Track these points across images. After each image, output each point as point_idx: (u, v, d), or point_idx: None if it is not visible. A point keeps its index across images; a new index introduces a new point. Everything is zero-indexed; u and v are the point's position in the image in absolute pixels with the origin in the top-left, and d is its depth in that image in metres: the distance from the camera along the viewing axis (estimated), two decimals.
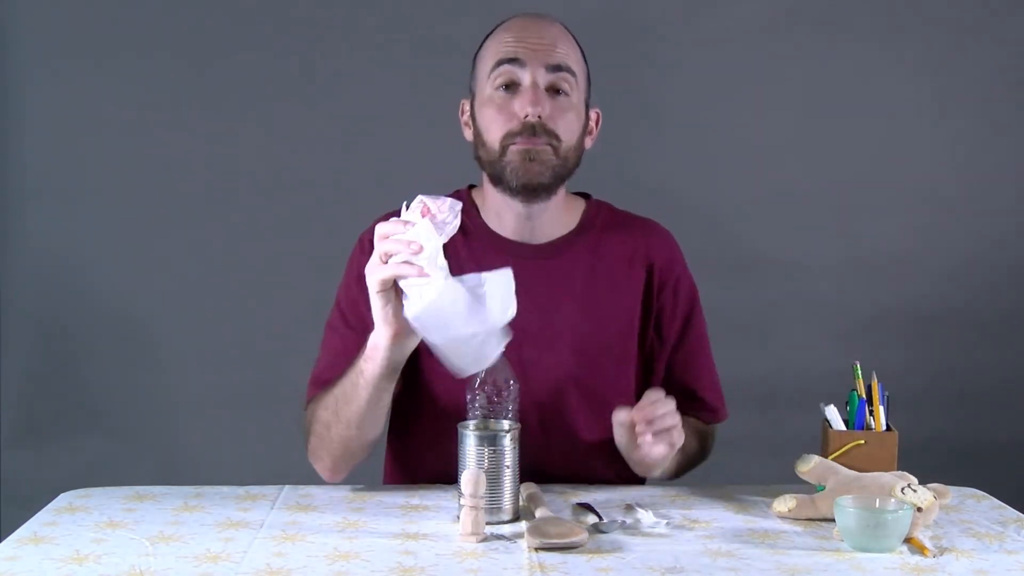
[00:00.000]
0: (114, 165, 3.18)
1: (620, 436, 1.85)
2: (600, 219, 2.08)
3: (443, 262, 1.70)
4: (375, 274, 1.73)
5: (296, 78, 3.18)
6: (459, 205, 1.73)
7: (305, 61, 3.18)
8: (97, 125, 3.17)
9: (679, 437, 1.82)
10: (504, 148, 1.94)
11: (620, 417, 1.82)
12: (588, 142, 2.03)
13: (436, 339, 1.70)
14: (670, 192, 3.10)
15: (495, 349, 1.70)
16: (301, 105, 3.18)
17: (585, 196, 2.12)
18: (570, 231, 2.05)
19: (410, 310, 1.70)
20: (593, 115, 2.04)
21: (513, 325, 1.86)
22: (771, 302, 3.23)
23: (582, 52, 2.02)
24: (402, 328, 1.76)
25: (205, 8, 3.16)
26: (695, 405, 2.10)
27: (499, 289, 1.70)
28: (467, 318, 1.68)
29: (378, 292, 1.74)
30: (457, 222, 1.72)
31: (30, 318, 3.21)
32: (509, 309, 1.69)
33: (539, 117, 1.92)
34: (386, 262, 1.72)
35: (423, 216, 1.71)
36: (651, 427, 1.78)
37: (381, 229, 1.74)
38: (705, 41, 3.21)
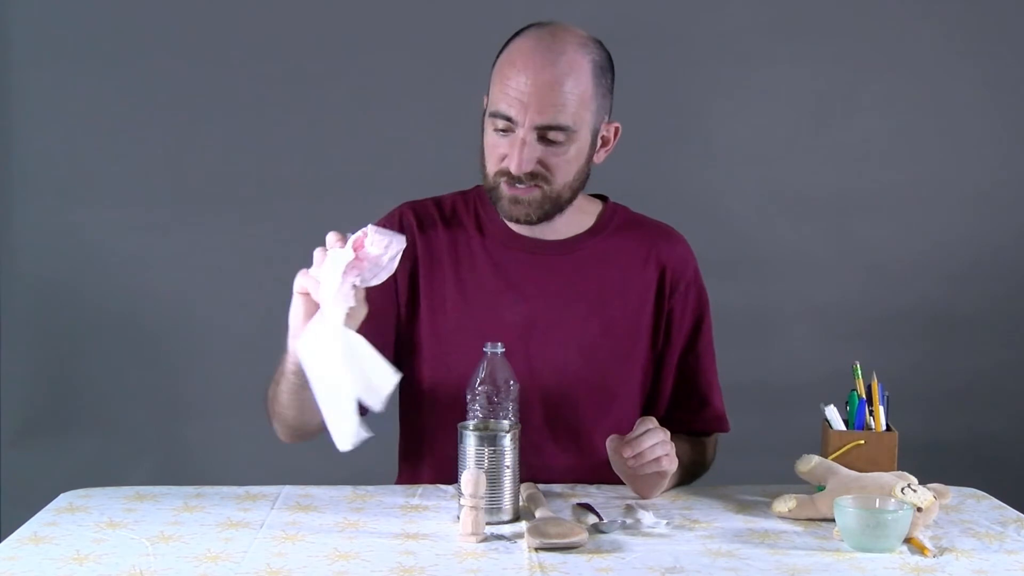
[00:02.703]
0: (115, 166, 3.19)
1: (614, 463, 1.86)
2: (615, 220, 2.09)
3: (345, 299, 1.65)
4: (297, 281, 1.76)
5: (300, 77, 3.18)
6: (401, 246, 1.69)
7: (309, 60, 3.18)
8: (97, 125, 3.18)
9: (670, 464, 1.83)
10: (497, 183, 1.96)
11: (612, 446, 1.84)
12: (601, 156, 2.01)
13: (313, 376, 1.66)
14: (672, 191, 3.11)
15: (352, 421, 1.62)
16: (306, 104, 3.18)
17: (603, 198, 2.12)
18: (585, 230, 2.06)
19: (303, 343, 1.70)
20: (612, 129, 2.01)
21: (525, 317, 1.97)
22: (771, 302, 3.24)
23: (596, 74, 1.94)
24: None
25: (206, 7, 3.16)
26: (704, 412, 2.10)
27: (374, 372, 1.63)
28: (339, 371, 1.64)
29: (298, 293, 1.78)
30: (393, 265, 1.68)
31: (30, 318, 3.22)
32: (374, 393, 1.63)
33: (523, 171, 1.92)
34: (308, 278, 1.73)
35: (355, 248, 1.66)
36: (640, 460, 1.80)
37: (329, 238, 1.73)
38: (707, 43, 3.21)
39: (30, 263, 3.20)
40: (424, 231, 2.05)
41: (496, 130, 1.93)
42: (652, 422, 1.84)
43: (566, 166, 1.94)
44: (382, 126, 3.17)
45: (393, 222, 2.06)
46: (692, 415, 2.10)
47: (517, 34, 1.97)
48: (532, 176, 1.92)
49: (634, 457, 1.80)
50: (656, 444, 1.80)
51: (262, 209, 3.19)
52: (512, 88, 1.90)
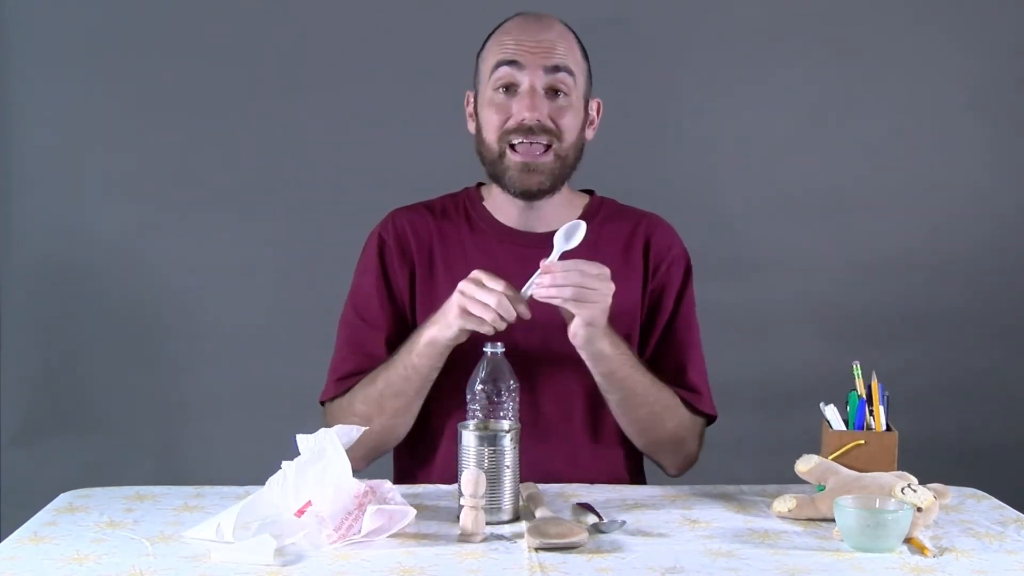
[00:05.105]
0: (115, 166, 3.19)
1: None
2: (602, 212, 2.11)
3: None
4: (470, 309, 1.81)
5: (302, 77, 3.18)
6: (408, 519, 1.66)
7: (310, 61, 3.18)
8: (98, 125, 3.18)
9: (594, 313, 1.80)
10: (502, 150, 1.98)
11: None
12: (589, 133, 2.07)
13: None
14: (671, 191, 3.10)
15: None
16: (307, 104, 3.18)
17: (590, 193, 2.15)
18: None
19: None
20: (594, 105, 2.07)
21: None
22: (771, 302, 3.24)
23: (582, 49, 2.04)
24: (462, 330, 1.85)
25: (206, 7, 3.16)
26: (678, 381, 2.06)
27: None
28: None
29: (460, 318, 1.82)
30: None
31: (30, 318, 3.21)
32: None
33: (537, 120, 1.96)
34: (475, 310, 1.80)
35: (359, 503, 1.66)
36: (555, 289, 1.78)
37: (482, 285, 1.81)
38: (707, 42, 3.21)
39: (30, 262, 3.20)
40: (418, 234, 2.07)
41: (499, 89, 1.98)
42: (596, 266, 1.80)
43: (569, 124, 1.99)
44: (383, 127, 3.17)
45: (386, 227, 2.09)
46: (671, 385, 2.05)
47: (500, 24, 2.04)
48: (544, 130, 1.96)
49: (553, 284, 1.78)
50: (573, 271, 1.78)
51: (263, 209, 3.19)
52: (514, 43, 1.97)
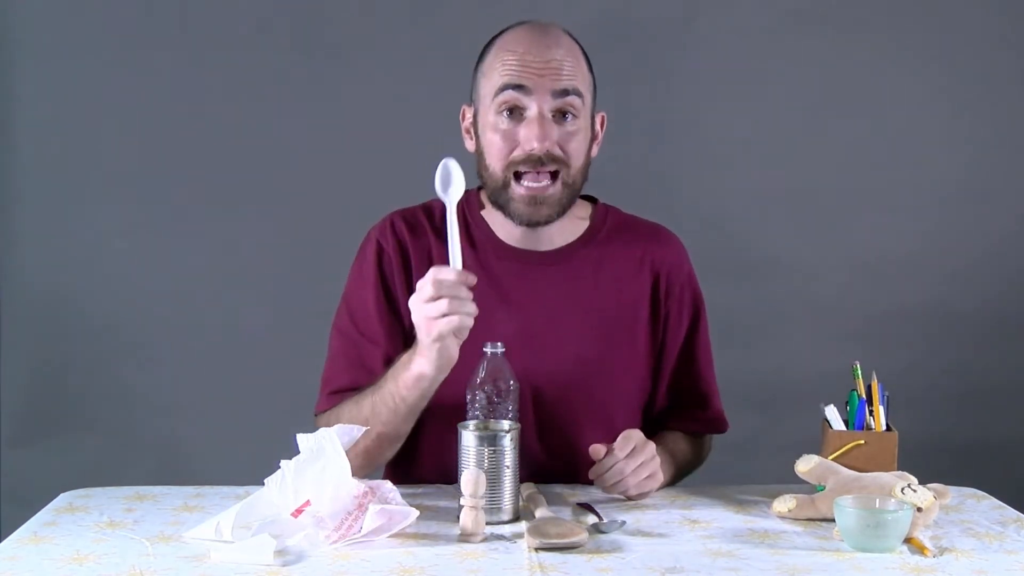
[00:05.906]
0: (113, 168, 3.19)
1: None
2: (607, 225, 2.05)
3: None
4: (436, 328, 1.71)
5: (297, 78, 3.18)
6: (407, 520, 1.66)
7: (306, 60, 3.18)
8: (95, 128, 3.18)
9: (652, 484, 1.85)
10: (507, 179, 1.91)
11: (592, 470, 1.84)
12: (594, 149, 1.99)
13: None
14: (671, 192, 3.11)
15: None
16: (301, 105, 3.18)
17: (592, 200, 2.09)
18: (577, 238, 2.03)
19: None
20: (598, 119, 1.99)
21: (518, 330, 1.91)
22: (771, 302, 3.24)
23: (588, 62, 1.95)
24: (450, 366, 1.77)
25: (205, 8, 3.16)
26: (703, 414, 2.09)
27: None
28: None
29: (436, 342, 1.73)
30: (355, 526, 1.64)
31: (30, 318, 3.21)
32: None
33: (546, 150, 1.88)
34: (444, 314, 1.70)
35: (360, 506, 1.65)
36: (601, 484, 1.83)
37: (438, 279, 1.70)
38: (706, 41, 3.21)
39: (30, 264, 3.20)
40: (417, 243, 2.00)
41: (503, 113, 1.88)
42: (633, 441, 1.82)
43: (578, 148, 1.91)
44: (380, 129, 3.17)
45: (384, 234, 2.01)
46: (691, 417, 2.09)
47: (500, 33, 1.96)
48: (552, 159, 1.88)
49: (612, 485, 1.82)
50: (625, 476, 1.81)
51: (262, 211, 3.19)
52: (519, 64, 1.87)
